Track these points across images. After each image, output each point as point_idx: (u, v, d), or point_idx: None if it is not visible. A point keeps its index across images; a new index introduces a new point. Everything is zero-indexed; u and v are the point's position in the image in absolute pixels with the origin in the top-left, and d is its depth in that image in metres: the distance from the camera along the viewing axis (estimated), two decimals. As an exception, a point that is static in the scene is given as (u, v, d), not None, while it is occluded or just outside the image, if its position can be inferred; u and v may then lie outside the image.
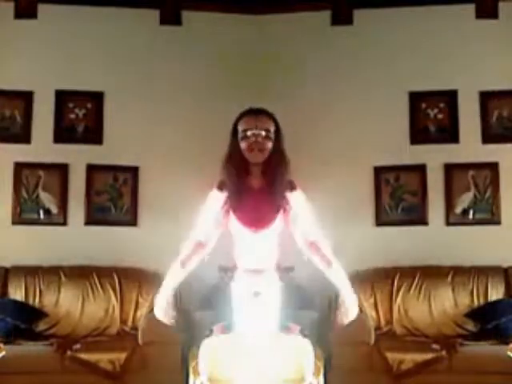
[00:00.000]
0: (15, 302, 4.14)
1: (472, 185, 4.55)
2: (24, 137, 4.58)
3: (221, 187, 2.51)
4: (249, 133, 2.41)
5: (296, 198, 2.49)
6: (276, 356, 2.27)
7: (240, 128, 2.45)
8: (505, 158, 4.54)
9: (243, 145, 2.43)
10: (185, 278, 2.50)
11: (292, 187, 2.49)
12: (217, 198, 2.49)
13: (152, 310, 4.14)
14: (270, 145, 2.44)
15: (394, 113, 4.68)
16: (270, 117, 2.49)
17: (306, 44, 4.75)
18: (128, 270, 4.36)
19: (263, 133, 2.41)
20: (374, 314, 4.21)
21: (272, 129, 2.45)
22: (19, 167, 4.55)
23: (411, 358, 3.69)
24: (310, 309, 4.03)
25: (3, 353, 3.35)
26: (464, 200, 4.53)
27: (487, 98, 4.59)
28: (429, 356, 3.69)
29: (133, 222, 4.62)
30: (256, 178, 2.49)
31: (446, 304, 4.19)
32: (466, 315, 4.12)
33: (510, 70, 4.57)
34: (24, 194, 4.55)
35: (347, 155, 4.62)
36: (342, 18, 4.77)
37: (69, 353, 3.68)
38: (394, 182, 4.64)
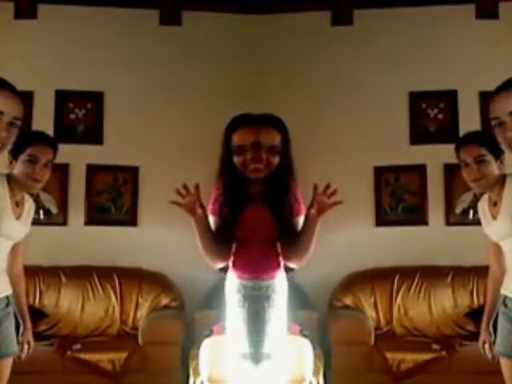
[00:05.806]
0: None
1: (472, 185, 4.54)
2: (24, 137, 4.58)
3: None
4: (246, 148, 2.05)
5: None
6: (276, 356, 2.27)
7: (235, 141, 2.07)
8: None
9: (237, 160, 2.07)
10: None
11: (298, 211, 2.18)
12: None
13: (152, 310, 4.20)
14: (275, 160, 2.07)
15: (394, 113, 4.68)
16: (276, 126, 2.11)
17: (306, 44, 4.74)
18: (128, 270, 4.36)
19: (267, 148, 2.05)
20: (373, 314, 4.21)
21: (277, 142, 2.07)
22: (19, 167, 4.54)
23: (411, 358, 3.69)
24: (310, 309, 4.05)
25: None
26: (464, 200, 4.51)
27: (487, 98, 4.55)
28: (429, 356, 3.69)
29: (133, 222, 4.62)
30: (256, 186, 2.19)
31: (445, 304, 4.19)
32: (465, 315, 4.12)
33: (510, 70, 4.55)
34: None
35: (347, 155, 4.62)
36: (342, 18, 4.76)
37: (69, 353, 3.69)
38: (393, 182, 4.63)
